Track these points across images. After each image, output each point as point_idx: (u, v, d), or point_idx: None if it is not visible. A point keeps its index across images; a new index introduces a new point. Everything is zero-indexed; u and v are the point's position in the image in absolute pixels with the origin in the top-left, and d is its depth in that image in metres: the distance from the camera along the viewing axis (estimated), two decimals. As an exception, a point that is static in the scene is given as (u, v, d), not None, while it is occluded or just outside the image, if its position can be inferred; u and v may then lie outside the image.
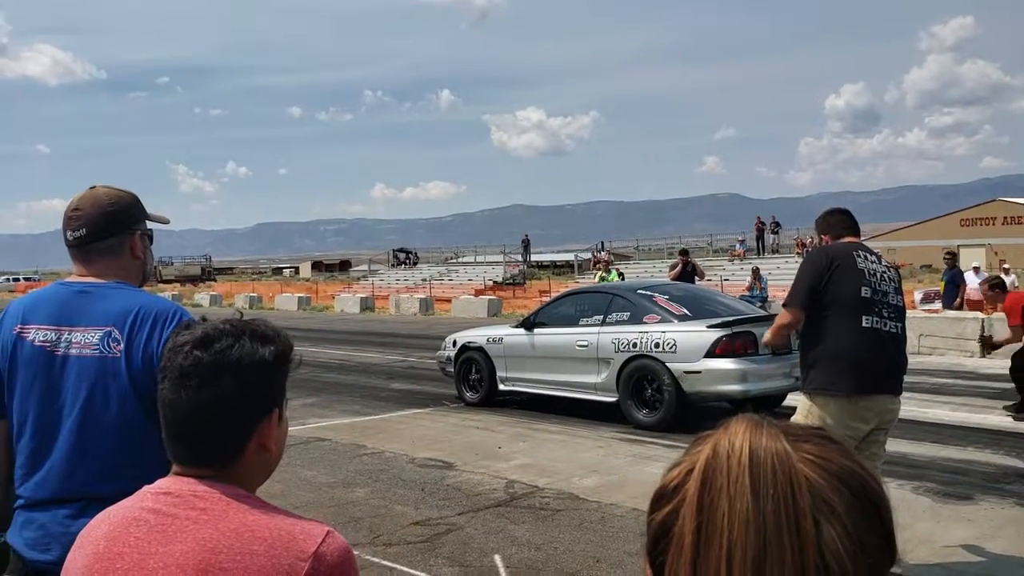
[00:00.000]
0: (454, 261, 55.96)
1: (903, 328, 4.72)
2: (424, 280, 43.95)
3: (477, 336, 11.24)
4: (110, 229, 2.39)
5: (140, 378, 2.27)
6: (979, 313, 14.81)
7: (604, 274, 21.30)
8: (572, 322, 10.07)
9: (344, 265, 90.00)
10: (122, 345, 2.28)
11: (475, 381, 10.87)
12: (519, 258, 51.35)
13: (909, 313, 7.64)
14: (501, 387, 10.62)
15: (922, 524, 5.69)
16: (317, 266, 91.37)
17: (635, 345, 9.11)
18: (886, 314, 4.55)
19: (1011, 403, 9.31)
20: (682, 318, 9.11)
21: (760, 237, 45.31)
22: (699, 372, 8.59)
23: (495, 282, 42.00)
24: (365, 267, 68.52)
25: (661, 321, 9.13)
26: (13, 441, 2.36)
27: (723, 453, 0.78)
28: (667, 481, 0.83)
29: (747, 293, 21.53)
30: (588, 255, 52.52)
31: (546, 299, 30.42)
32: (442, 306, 32.81)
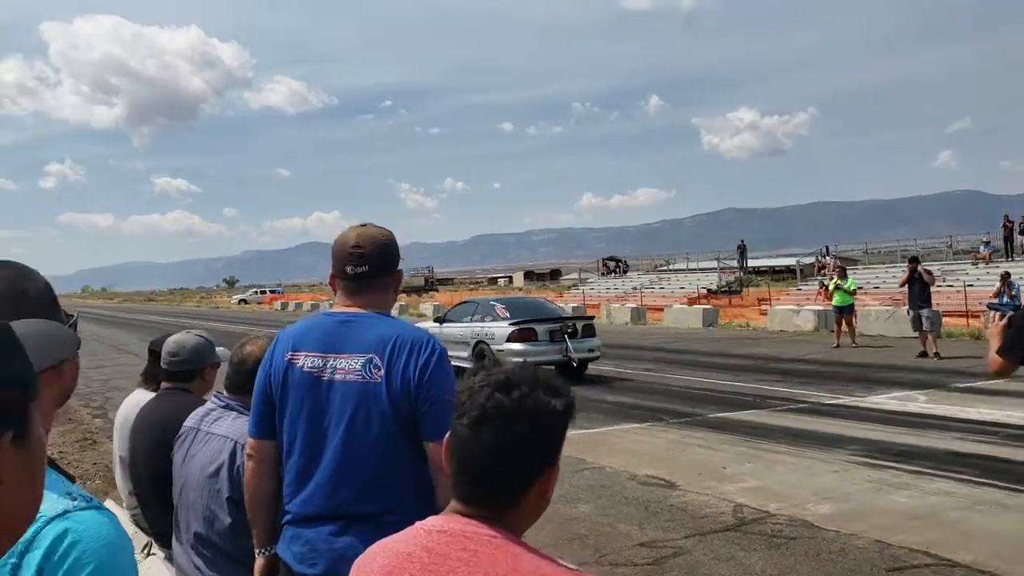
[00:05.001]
0: (665, 269, 55.07)
1: None
2: (635, 289, 43.60)
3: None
4: (386, 267, 2.59)
5: (398, 402, 2.42)
6: None
7: (839, 281, 19.81)
8: (460, 319, 16.22)
9: (555, 274, 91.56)
10: (382, 371, 2.44)
11: None
12: (734, 264, 49.68)
13: None
14: None
15: None
16: (529, 275, 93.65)
17: (478, 334, 15.15)
18: None
19: None
20: (504, 319, 14.97)
21: (1008, 238, 40.81)
22: (503, 351, 13.99)
23: (709, 290, 40.74)
24: (575, 276, 69.20)
25: (493, 320, 15.20)
26: (283, 460, 2.56)
27: None
28: None
29: (995, 300, 19.43)
30: (811, 260, 49.73)
31: (765, 308, 29.40)
32: (654, 315, 32.32)
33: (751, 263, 54.42)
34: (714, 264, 49.50)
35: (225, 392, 3.07)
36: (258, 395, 2.60)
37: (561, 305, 21.09)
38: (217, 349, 3.64)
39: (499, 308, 15.58)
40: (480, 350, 14.76)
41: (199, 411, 3.09)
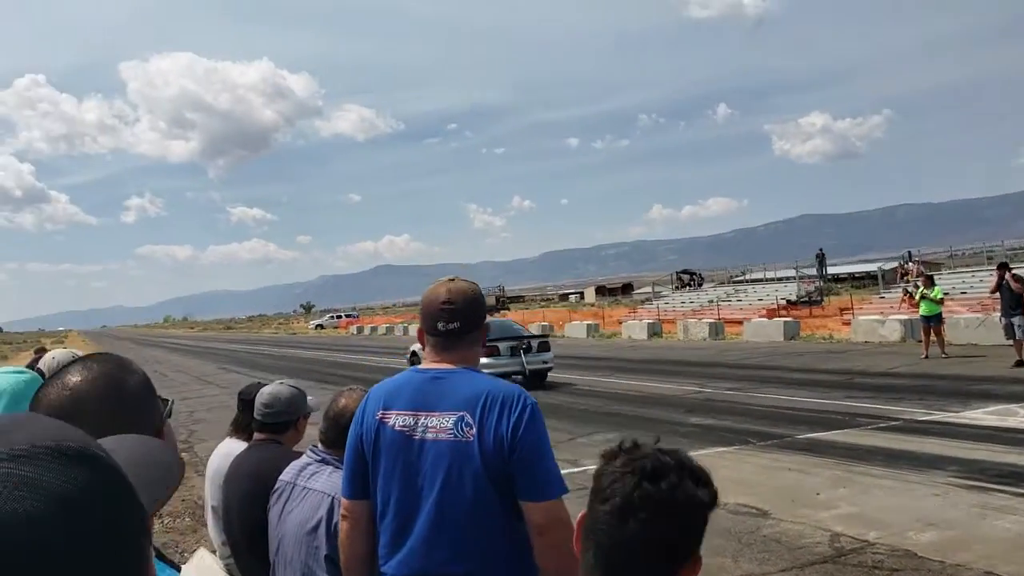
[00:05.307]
0: (741, 280, 53.98)
1: None
2: (711, 302, 42.83)
3: (414, 346, 19.96)
4: (476, 323, 2.58)
5: (491, 460, 2.38)
6: None
7: (925, 291, 19.03)
8: None
9: (627, 288, 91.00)
10: (474, 429, 2.41)
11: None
12: (813, 273, 48.35)
13: None
14: None
15: None
16: (601, 290, 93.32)
17: None
18: None
19: None
20: None
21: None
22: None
23: (788, 301, 39.70)
24: (648, 290, 68.48)
25: None
26: (377, 520, 2.54)
27: None
28: None
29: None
30: (894, 265, 48.05)
31: (848, 318, 28.57)
32: (733, 329, 31.68)
33: (830, 270, 52.93)
34: (792, 273, 48.18)
35: (320, 446, 3.07)
36: (350, 454, 2.59)
37: (526, 326, 24.45)
38: (308, 399, 3.65)
39: None
40: None
41: (295, 465, 3.10)
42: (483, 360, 12.44)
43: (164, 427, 1.44)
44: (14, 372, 1.93)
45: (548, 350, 18.61)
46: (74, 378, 1.36)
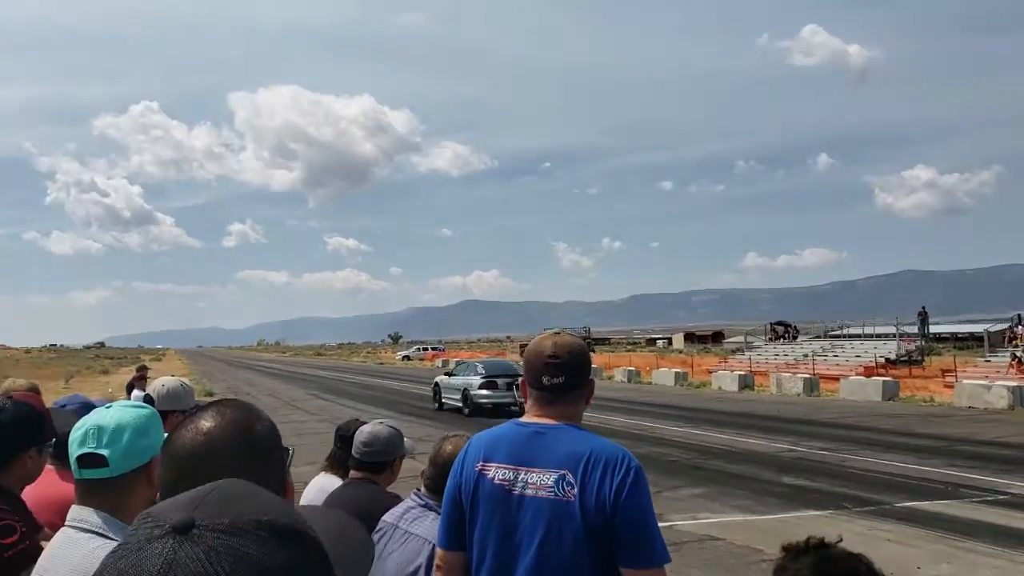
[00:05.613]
0: (837, 334, 52.17)
1: None
2: (805, 356, 41.48)
3: (438, 378, 25.98)
4: (582, 378, 2.52)
5: (592, 522, 2.32)
6: None
7: None
8: (458, 374, 24.55)
9: (717, 337, 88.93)
10: (576, 489, 2.35)
11: (434, 398, 25.40)
12: (915, 331, 46.35)
13: None
14: (442, 402, 24.63)
15: None
16: (690, 337, 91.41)
17: (465, 384, 23.06)
18: None
19: None
20: (480, 375, 22.72)
21: None
22: (477, 394, 22.24)
23: (887, 359, 38.15)
24: (739, 339, 66.87)
25: (474, 375, 22.99)
26: (471, 573, 2.51)
27: None
28: None
29: None
30: (1002, 328, 45.66)
31: (951, 380, 27.28)
32: (828, 386, 30.59)
33: (932, 329, 50.72)
34: (891, 330, 46.28)
35: (424, 490, 3.06)
36: (448, 504, 2.57)
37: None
38: (405, 441, 3.68)
39: (479, 367, 23.76)
40: (464, 392, 23.11)
41: (398, 508, 3.10)
42: (483, 392, 23.22)
43: (287, 476, 1.46)
44: (135, 407, 1.98)
45: None
46: (207, 423, 1.40)
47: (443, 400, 24.53)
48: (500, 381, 22.12)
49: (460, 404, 23.07)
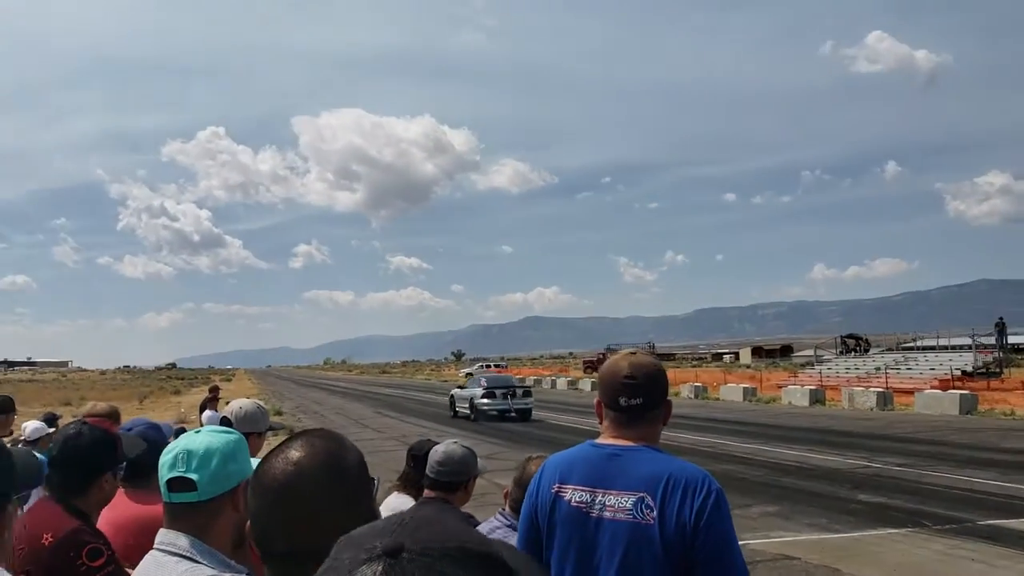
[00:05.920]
0: (911, 347, 50.58)
1: None
2: (878, 369, 40.38)
3: (453, 390, 32.12)
4: (659, 399, 2.48)
5: (672, 547, 2.27)
6: None
7: None
8: (467, 387, 30.88)
9: (785, 351, 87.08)
10: (655, 512, 2.31)
11: (450, 407, 31.02)
12: (992, 342, 44.68)
13: None
14: (456, 410, 30.07)
15: None
16: (757, 352, 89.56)
17: (472, 394, 28.92)
18: None
19: None
20: (481, 385, 28.83)
21: None
22: (480, 402, 27.88)
23: (964, 372, 36.87)
24: (809, 353, 65.35)
25: (478, 386, 28.99)
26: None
27: None
28: None
29: None
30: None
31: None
32: (902, 399, 29.70)
33: (1010, 340, 48.84)
34: (967, 341, 44.70)
35: (509, 511, 3.06)
36: (524, 525, 2.56)
37: (522, 378, 40.67)
38: (478, 461, 3.70)
39: (482, 380, 29.63)
40: (471, 401, 28.43)
41: (483, 528, 3.11)
42: (485, 400, 29.29)
43: (375, 506, 1.49)
44: (223, 432, 2.02)
45: (530, 396, 28.92)
46: (296, 453, 1.43)
47: (457, 409, 30.15)
48: (498, 391, 28.10)
49: (468, 411, 28.61)
